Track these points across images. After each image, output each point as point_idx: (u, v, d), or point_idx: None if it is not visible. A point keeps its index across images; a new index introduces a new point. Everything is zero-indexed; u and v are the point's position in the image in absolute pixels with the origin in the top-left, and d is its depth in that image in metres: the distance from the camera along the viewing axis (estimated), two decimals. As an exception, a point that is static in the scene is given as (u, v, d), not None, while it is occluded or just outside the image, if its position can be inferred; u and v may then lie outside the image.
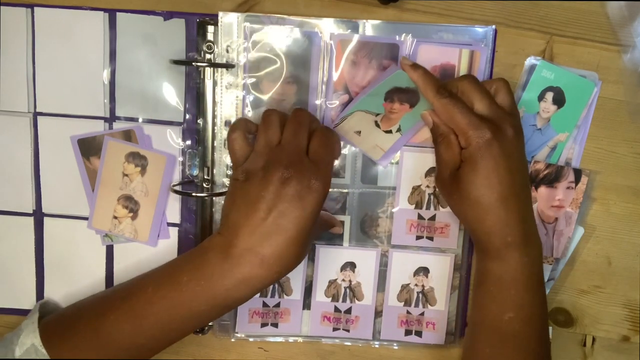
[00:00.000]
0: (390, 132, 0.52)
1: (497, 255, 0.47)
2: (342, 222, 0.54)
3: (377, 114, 0.52)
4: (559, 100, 0.53)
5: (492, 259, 0.48)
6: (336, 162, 0.53)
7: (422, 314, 0.56)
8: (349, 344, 0.56)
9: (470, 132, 0.47)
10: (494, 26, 0.52)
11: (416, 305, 0.55)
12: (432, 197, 0.54)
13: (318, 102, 0.53)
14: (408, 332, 0.56)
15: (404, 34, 0.51)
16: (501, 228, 0.47)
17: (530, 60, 0.53)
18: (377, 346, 0.56)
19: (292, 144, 0.46)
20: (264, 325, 0.56)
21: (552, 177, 0.53)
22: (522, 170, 0.48)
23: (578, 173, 0.53)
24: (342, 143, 0.53)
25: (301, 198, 0.44)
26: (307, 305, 0.56)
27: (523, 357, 0.48)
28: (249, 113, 0.53)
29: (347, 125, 0.52)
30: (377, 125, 0.52)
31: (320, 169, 0.46)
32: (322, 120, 0.53)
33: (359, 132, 0.52)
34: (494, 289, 0.48)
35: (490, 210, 0.46)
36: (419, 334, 0.56)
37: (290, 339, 0.56)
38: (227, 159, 0.54)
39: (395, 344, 0.56)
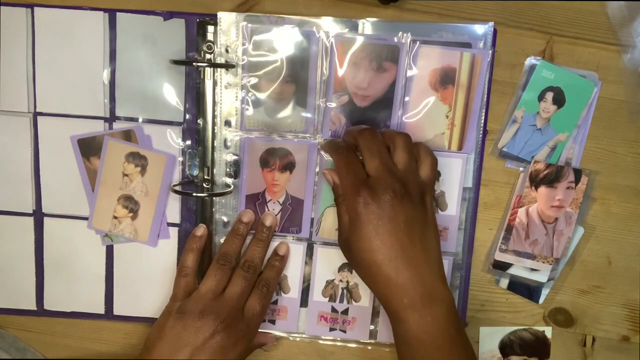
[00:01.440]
0: None
1: (398, 317, 0.46)
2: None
3: None
4: (559, 100, 0.53)
5: (394, 321, 0.47)
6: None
7: None
8: (347, 344, 0.56)
9: (347, 195, 0.47)
10: (492, 23, 0.52)
11: None
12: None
13: (317, 102, 0.53)
14: None
15: (403, 34, 0.51)
16: (395, 290, 0.45)
17: (530, 60, 0.53)
18: (370, 349, 0.56)
19: (234, 301, 0.50)
20: (261, 321, 0.56)
21: (552, 177, 0.53)
22: (413, 232, 0.46)
23: (578, 173, 0.53)
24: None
25: (224, 351, 0.49)
26: (304, 304, 0.56)
27: None
28: (248, 112, 0.53)
29: (325, 227, 0.54)
30: None
31: (250, 326, 0.50)
32: (322, 120, 0.53)
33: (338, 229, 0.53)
34: (404, 349, 0.47)
35: (380, 273, 0.45)
36: None
37: (292, 337, 0.56)
38: (227, 157, 0.54)
39: (392, 347, 0.56)
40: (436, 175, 0.50)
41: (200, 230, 0.54)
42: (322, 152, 0.53)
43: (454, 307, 0.47)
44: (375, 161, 0.47)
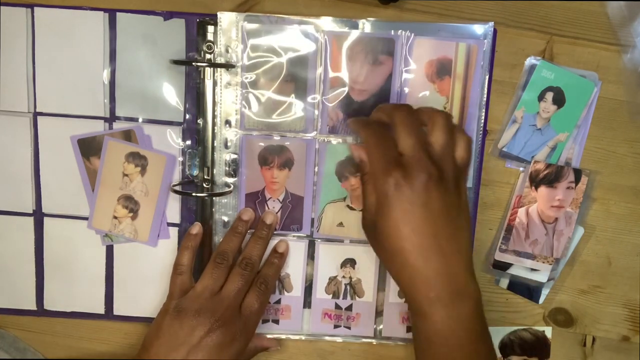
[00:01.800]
0: None
1: (422, 312, 0.43)
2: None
3: (344, 198, 0.53)
4: (559, 100, 0.53)
5: (418, 316, 0.44)
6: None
7: None
8: (350, 340, 0.56)
9: (376, 174, 0.43)
10: (492, 23, 0.52)
11: None
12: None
13: (316, 99, 0.53)
14: (410, 329, 0.56)
15: (400, 30, 0.51)
16: (422, 282, 0.42)
17: (530, 60, 0.53)
18: (378, 344, 0.56)
19: (230, 298, 0.50)
20: (265, 321, 0.56)
21: (552, 177, 0.53)
22: (447, 220, 0.43)
23: (578, 173, 0.53)
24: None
25: (221, 349, 0.48)
26: (307, 303, 0.56)
27: None
28: (248, 111, 0.53)
29: (326, 223, 0.54)
30: (351, 208, 0.54)
31: (247, 324, 0.50)
32: (320, 117, 0.53)
33: (341, 224, 0.54)
34: (425, 345, 0.44)
35: (408, 263, 0.42)
36: None
37: (292, 337, 0.56)
38: (227, 157, 0.54)
39: (397, 341, 0.56)
40: (471, 158, 0.47)
41: (196, 228, 0.54)
42: (350, 130, 0.52)
43: (480, 303, 0.44)
44: (412, 139, 0.43)
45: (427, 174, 0.42)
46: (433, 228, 0.42)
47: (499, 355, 0.56)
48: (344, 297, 0.56)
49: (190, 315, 0.49)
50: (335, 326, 0.56)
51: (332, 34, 0.52)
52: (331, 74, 0.52)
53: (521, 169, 0.54)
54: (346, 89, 0.52)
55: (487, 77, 0.52)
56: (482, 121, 0.53)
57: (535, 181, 0.53)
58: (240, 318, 0.50)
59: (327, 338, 0.56)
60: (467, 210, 0.45)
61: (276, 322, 0.56)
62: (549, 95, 0.53)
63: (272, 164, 0.54)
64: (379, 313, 0.56)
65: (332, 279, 0.56)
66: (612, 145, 0.54)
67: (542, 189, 0.53)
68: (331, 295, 0.56)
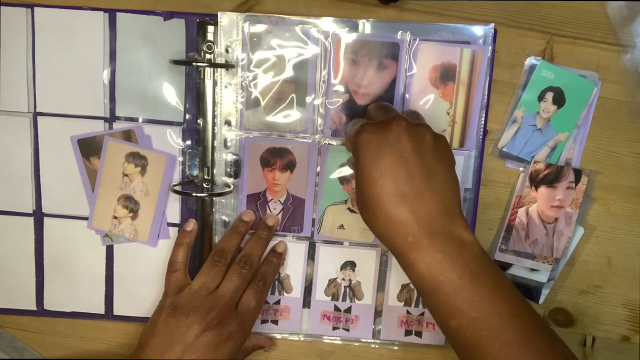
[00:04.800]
0: None
1: (407, 261, 0.41)
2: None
3: (345, 201, 0.54)
4: (559, 100, 0.53)
5: (405, 267, 0.42)
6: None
7: (422, 314, 0.56)
8: (348, 343, 0.56)
9: (350, 131, 0.45)
10: (492, 24, 0.52)
11: (416, 306, 0.55)
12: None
13: (317, 101, 0.53)
14: (408, 333, 0.56)
15: (402, 32, 0.51)
16: (397, 227, 0.41)
17: (530, 60, 0.53)
18: (376, 347, 0.56)
19: (227, 297, 0.50)
20: (264, 322, 0.56)
21: (552, 177, 0.53)
22: (420, 161, 0.42)
23: (578, 173, 0.53)
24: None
25: (216, 348, 0.48)
26: (307, 303, 0.56)
27: None
28: (248, 111, 0.53)
29: (326, 225, 0.54)
30: (352, 211, 0.54)
31: (244, 322, 0.50)
32: (322, 120, 0.53)
33: (341, 226, 0.54)
34: (426, 297, 0.42)
35: (382, 209, 0.41)
36: (419, 334, 0.56)
37: (290, 337, 0.56)
38: (227, 157, 0.54)
39: (395, 345, 0.56)
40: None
41: (190, 225, 0.54)
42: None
43: (474, 245, 0.41)
44: (382, 107, 0.48)
45: (397, 122, 0.42)
46: (405, 169, 0.41)
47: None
48: (344, 300, 0.56)
49: (185, 313, 0.48)
50: (334, 328, 0.56)
51: (337, 38, 0.51)
52: (334, 78, 0.52)
53: (521, 169, 0.54)
54: (350, 92, 0.52)
55: (487, 73, 0.52)
56: (482, 121, 0.53)
57: (535, 181, 0.53)
58: (237, 316, 0.50)
59: (326, 338, 0.56)
60: (449, 157, 0.44)
61: (275, 322, 0.56)
62: (549, 95, 0.53)
63: (274, 166, 0.54)
64: (377, 313, 0.56)
65: (332, 281, 0.56)
66: (612, 145, 0.54)
67: (542, 189, 0.53)
68: (330, 297, 0.56)
